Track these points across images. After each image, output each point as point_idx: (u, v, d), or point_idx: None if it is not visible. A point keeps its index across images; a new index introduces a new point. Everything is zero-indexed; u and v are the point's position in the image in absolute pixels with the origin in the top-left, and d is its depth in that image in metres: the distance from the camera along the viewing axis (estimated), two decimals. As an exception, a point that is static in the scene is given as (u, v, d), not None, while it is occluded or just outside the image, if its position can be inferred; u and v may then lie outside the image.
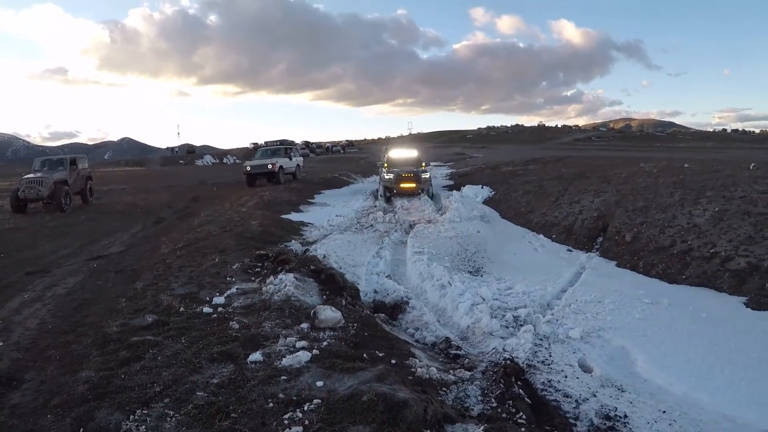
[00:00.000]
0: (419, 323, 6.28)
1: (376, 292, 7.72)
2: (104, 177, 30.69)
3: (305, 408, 3.45)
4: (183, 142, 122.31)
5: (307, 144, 74.02)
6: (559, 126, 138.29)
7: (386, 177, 18.59)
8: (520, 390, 4.37)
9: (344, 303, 6.08)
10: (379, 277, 8.52)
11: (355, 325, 5.31)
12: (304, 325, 4.95)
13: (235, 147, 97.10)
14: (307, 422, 3.26)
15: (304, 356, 4.16)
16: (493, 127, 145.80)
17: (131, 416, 3.50)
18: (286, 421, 3.29)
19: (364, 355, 4.37)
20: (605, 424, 4.12)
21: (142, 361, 4.43)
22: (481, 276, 8.87)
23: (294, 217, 13.88)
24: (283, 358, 4.17)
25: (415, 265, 8.96)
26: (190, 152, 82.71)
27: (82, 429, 3.43)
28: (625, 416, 4.28)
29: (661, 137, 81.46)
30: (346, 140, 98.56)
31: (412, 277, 8.58)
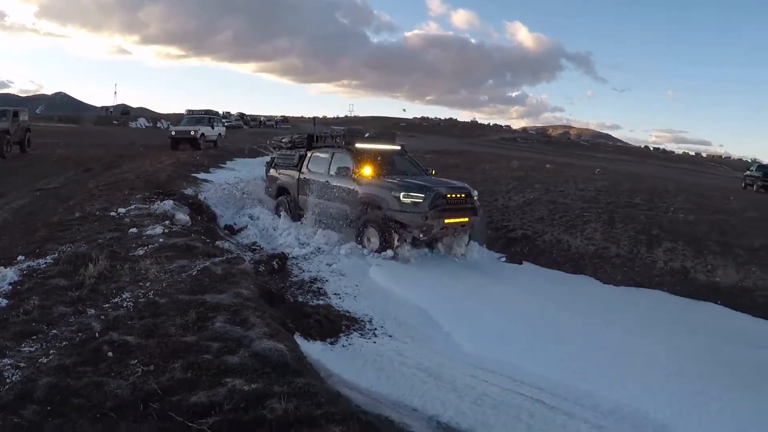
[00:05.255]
0: (245, 235, 10.17)
1: (234, 223, 11.46)
2: (38, 131, 32.49)
3: (149, 247, 7.25)
4: (119, 102, 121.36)
5: (242, 116, 76.32)
6: (491, 124, 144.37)
7: (405, 200, 9.58)
8: (275, 263, 8.25)
9: (199, 219, 9.87)
10: (243, 216, 12.22)
11: (199, 228, 9.14)
12: (167, 222, 8.71)
13: (171, 112, 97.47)
14: (148, 250, 7.08)
15: (159, 230, 7.98)
16: (427, 118, 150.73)
17: (63, 246, 7.19)
18: (139, 249, 7.08)
19: (192, 235, 8.19)
20: (311, 279, 7.88)
21: (72, 230, 8.18)
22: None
23: (200, 175, 17.18)
24: (148, 230, 7.96)
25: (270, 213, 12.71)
26: (124, 113, 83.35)
27: (38, 249, 7.11)
28: (327, 280, 7.89)
29: (584, 146, 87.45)
30: (281, 116, 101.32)
31: (267, 220, 12.27)
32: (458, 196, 10.10)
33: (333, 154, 11.34)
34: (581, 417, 4.93)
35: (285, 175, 12.61)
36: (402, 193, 9.60)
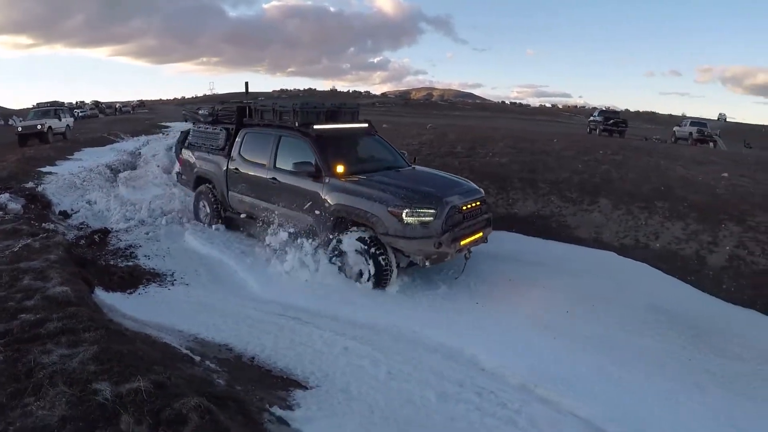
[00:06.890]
0: (77, 218, 11.88)
1: (71, 209, 13.01)
2: None
3: (-18, 232, 8.89)
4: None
5: (97, 104, 74.29)
6: (351, 91, 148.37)
7: (409, 220, 6.79)
8: (96, 237, 10.07)
9: (33, 207, 11.46)
10: (82, 202, 13.67)
11: (31, 215, 10.72)
12: (0, 213, 10.29)
13: (25, 107, 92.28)
14: (-20, 234, 8.74)
15: (-9, 220, 9.60)
16: (286, 90, 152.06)
17: None
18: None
19: (22, 221, 9.86)
20: (127, 246, 9.44)
21: None
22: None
23: (46, 168, 17.61)
24: (-19, 222, 9.58)
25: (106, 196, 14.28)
26: (-28, 114, 78.52)
27: None
28: (140, 246, 9.40)
29: (442, 106, 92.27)
30: (138, 101, 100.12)
31: (102, 203, 13.80)
32: (474, 205, 7.54)
33: (280, 139, 8.65)
34: (329, 328, 5.79)
35: (206, 161, 10.30)
36: (405, 210, 6.80)
